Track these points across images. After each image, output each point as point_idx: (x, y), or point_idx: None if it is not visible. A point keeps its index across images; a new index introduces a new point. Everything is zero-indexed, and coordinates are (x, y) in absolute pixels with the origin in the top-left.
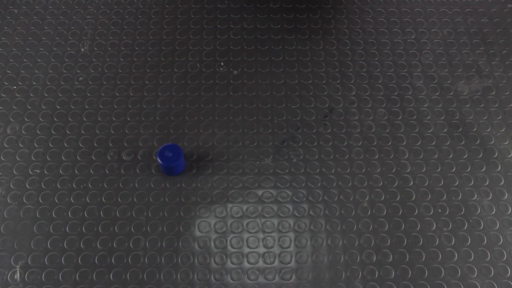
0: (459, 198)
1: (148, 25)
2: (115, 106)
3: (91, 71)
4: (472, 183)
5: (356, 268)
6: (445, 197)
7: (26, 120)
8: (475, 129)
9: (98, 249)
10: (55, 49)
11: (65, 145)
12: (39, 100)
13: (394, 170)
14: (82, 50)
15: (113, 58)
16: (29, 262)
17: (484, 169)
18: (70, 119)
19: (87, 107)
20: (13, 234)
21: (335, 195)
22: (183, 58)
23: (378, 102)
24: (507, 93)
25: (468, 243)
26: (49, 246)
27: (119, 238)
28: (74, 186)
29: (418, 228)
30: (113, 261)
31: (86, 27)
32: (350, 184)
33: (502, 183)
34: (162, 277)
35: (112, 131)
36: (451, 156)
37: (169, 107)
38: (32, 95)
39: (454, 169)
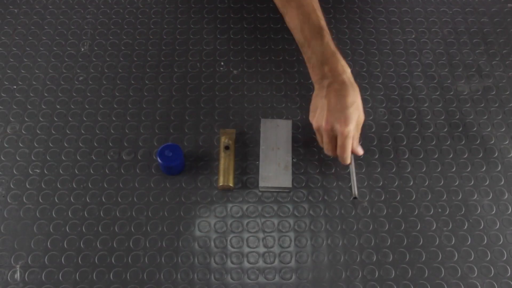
0: (459, 198)
1: (148, 25)
2: (115, 106)
3: (91, 71)
4: (472, 183)
5: (356, 268)
6: (445, 197)
7: (26, 119)
8: (475, 129)
9: (98, 249)
10: (55, 49)
11: (65, 145)
12: (39, 100)
13: (394, 170)
14: (82, 50)
15: (113, 58)
16: (29, 262)
17: (484, 168)
18: (70, 119)
19: (87, 107)
20: (13, 234)
21: (335, 195)
22: (183, 58)
23: (378, 101)
24: (507, 93)
25: (468, 243)
26: (49, 246)
27: (119, 238)
28: (74, 186)
29: (418, 228)
30: (113, 261)
31: (86, 27)
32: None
33: (502, 183)
34: (162, 277)
35: (112, 131)
36: (451, 156)
37: (169, 107)
38: (32, 94)
39: (454, 169)
